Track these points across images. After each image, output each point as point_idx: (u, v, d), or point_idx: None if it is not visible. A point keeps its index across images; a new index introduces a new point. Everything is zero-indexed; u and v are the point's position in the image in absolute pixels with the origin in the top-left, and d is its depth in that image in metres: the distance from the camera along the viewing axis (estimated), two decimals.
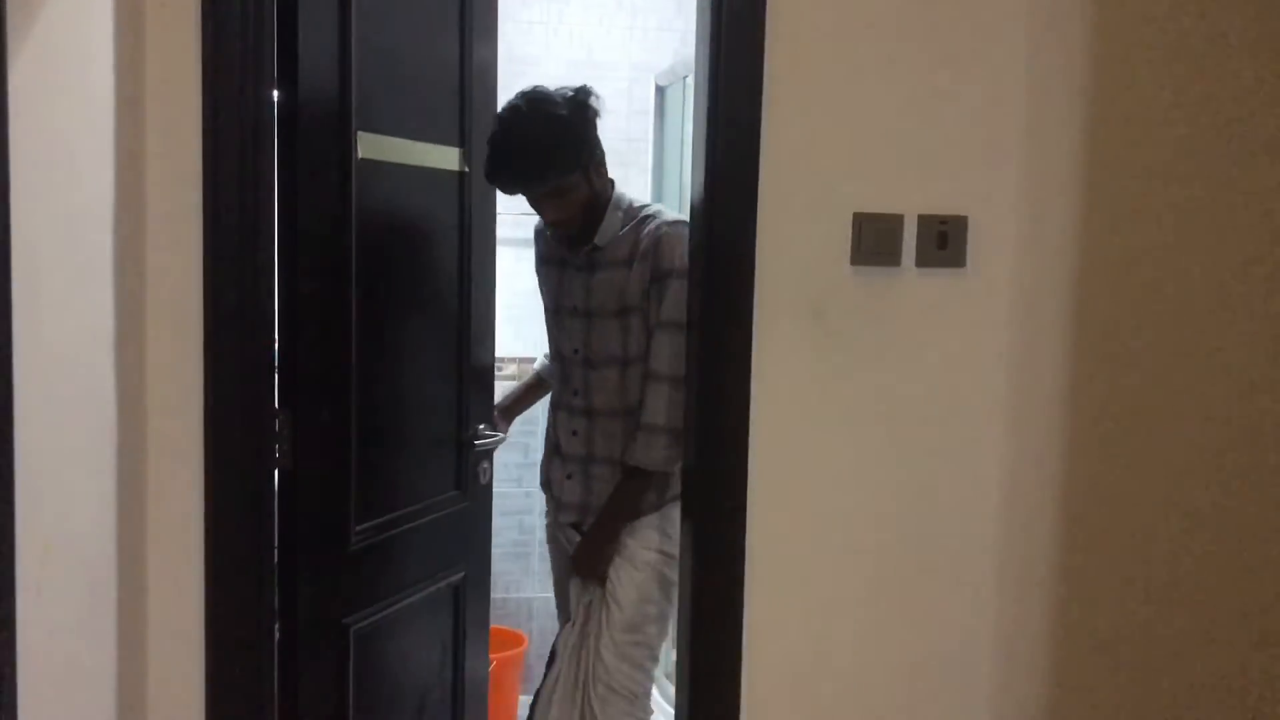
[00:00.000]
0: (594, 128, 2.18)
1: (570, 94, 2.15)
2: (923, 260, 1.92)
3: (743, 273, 1.87)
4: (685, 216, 2.05)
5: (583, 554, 2.31)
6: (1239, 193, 1.94)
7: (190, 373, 1.73)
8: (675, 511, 2.16)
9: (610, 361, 2.27)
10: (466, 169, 2.32)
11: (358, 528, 2.07)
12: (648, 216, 2.25)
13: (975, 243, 1.93)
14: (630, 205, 2.30)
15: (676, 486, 2.18)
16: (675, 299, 2.14)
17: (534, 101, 2.14)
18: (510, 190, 2.21)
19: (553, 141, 2.11)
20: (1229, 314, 1.95)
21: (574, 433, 2.35)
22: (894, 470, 1.97)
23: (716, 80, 1.84)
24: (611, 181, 2.32)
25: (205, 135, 1.68)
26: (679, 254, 2.14)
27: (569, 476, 2.37)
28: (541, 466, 2.52)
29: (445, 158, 2.27)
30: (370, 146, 2.02)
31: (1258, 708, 1.80)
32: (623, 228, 2.26)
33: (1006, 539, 2.01)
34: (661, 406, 2.17)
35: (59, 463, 1.36)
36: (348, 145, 1.97)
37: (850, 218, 1.90)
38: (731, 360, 1.87)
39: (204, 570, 1.74)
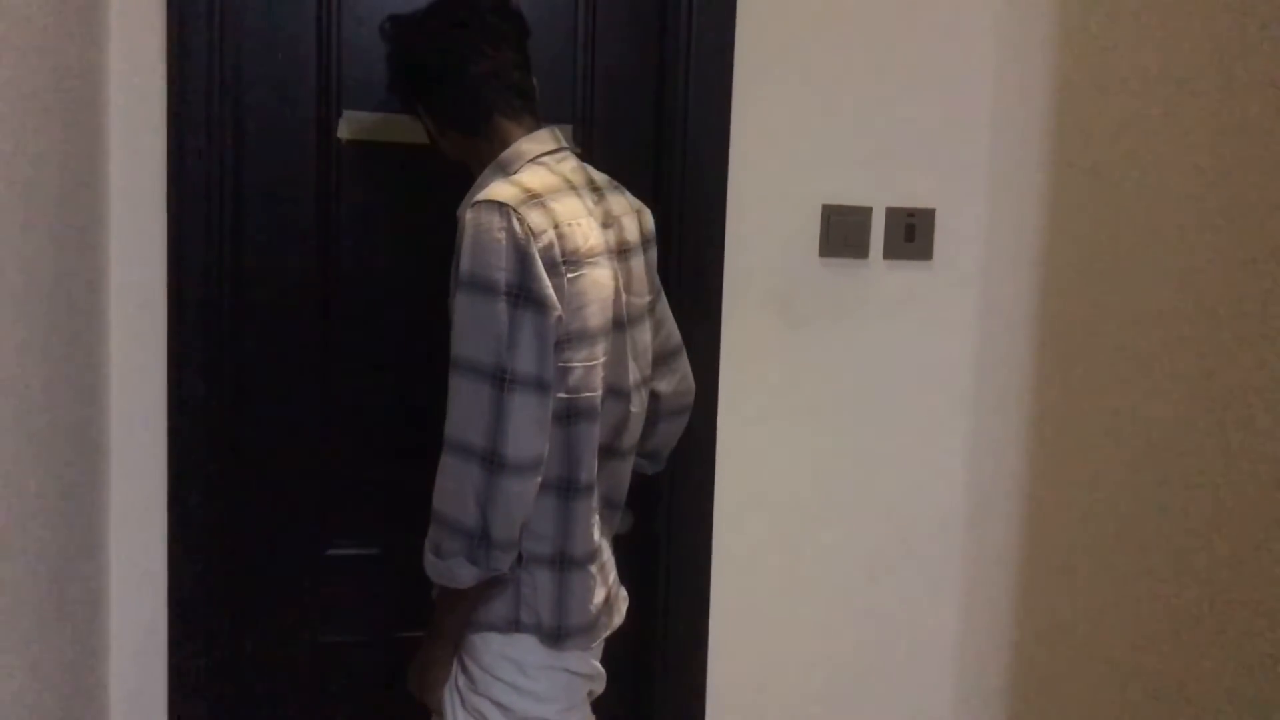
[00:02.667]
0: (436, 52, 1.47)
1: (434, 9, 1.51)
2: (891, 253, 1.93)
3: (711, 264, 1.87)
4: (523, 191, 1.36)
5: (411, 667, 1.51)
6: (1190, 193, 1.97)
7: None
8: (517, 648, 1.41)
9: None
10: None
11: None
12: (479, 186, 1.46)
13: (943, 235, 1.94)
14: (521, 168, 1.45)
15: (510, 608, 1.41)
16: (463, 324, 1.33)
17: (394, 17, 1.54)
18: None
19: (390, 63, 1.53)
20: (1186, 303, 1.97)
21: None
22: (860, 460, 1.98)
23: (685, 71, 1.83)
24: (523, 131, 1.49)
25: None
26: (472, 253, 1.33)
27: None
28: None
29: None
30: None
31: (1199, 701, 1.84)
32: None
33: (970, 529, 2.03)
34: (447, 487, 1.34)
35: None
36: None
37: (819, 210, 1.90)
38: (699, 351, 1.87)
39: None
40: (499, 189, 1.36)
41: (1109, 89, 1.93)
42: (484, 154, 1.49)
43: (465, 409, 1.32)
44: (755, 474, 1.94)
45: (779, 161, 1.88)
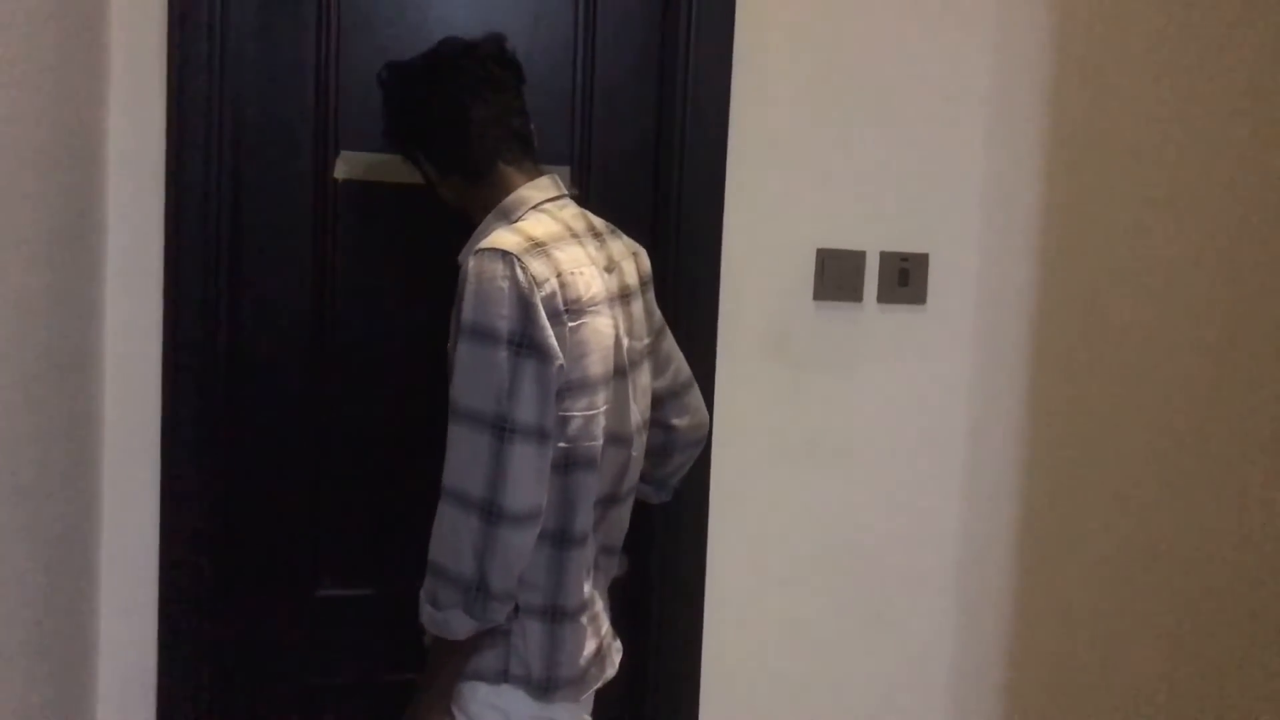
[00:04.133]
0: (438, 98, 1.46)
1: (421, 60, 1.51)
2: (884, 296, 1.94)
3: (707, 307, 1.88)
4: (526, 240, 1.35)
5: (404, 716, 1.46)
6: (1180, 238, 1.99)
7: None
8: (505, 698, 1.40)
9: (451, 414, 1.38)
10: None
11: None
12: (481, 233, 1.45)
13: (936, 280, 1.96)
14: (523, 215, 1.44)
15: (498, 657, 1.40)
16: (465, 373, 1.31)
17: (392, 65, 1.53)
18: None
19: (388, 110, 1.51)
20: (1180, 346, 1.99)
21: None
22: (854, 502, 1.98)
23: (682, 116, 1.85)
24: (522, 178, 1.48)
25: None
26: (475, 302, 1.31)
27: None
28: None
29: None
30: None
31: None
32: None
33: (963, 570, 2.03)
34: (444, 537, 1.32)
35: None
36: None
37: (814, 254, 1.91)
38: None
39: None
40: (502, 237, 1.36)
41: (1099, 136, 1.96)
42: (485, 200, 1.47)
43: (464, 458, 1.30)
44: (749, 516, 1.94)
45: (774, 206, 1.89)
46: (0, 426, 1.26)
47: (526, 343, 1.30)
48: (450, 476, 1.31)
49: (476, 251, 1.35)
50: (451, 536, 1.31)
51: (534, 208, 1.45)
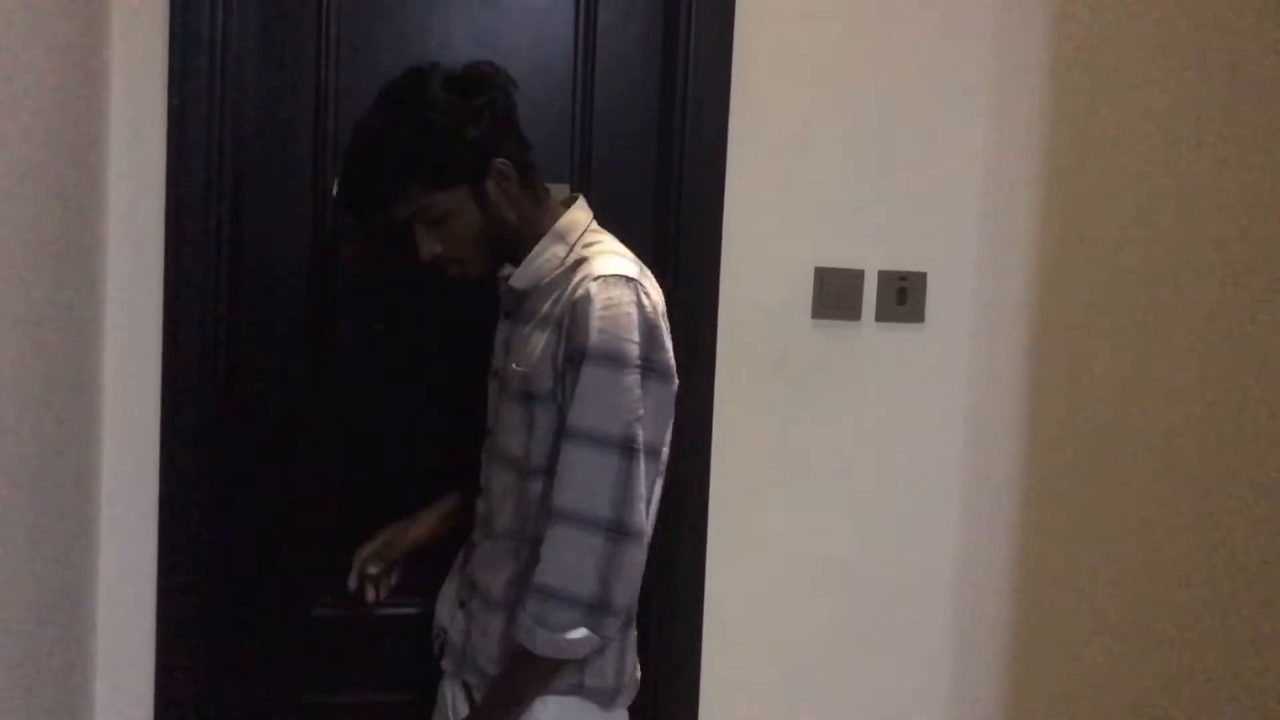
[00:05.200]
0: (491, 122, 1.40)
1: (456, 75, 1.41)
2: (883, 315, 1.94)
3: (706, 325, 1.88)
4: (634, 264, 1.40)
5: None
6: (1179, 256, 2.00)
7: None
8: (573, 711, 1.42)
9: (507, 465, 1.46)
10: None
11: None
12: (584, 260, 1.42)
13: (934, 298, 1.96)
14: (581, 238, 1.46)
15: (596, 674, 1.42)
16: (592, 396, 1.33)
17: (393, 93, 1.41)
18: (359, 218, 1.47)
19: (404, 147, 1.37)
20: (1179, 367, 2.00)
21: (473, 543, 1.56)
22: (853, 522, 1.97)
23: (681, 134, 1.85)
24: (558, 199, 1.53)
25: None
26: (601, 326, 1.32)
27: (461, 604, 1.55)
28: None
29: None
30: None
31: None
32: (557, 269, 1.44)
33: (961, 589, 2.02)
34: (564, 559, 1.33)
35: None
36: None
37: (812, 272, 1.92)
38: (693, 412, 1.87)
39: None
40: (616, 262, 1.38)
41: (1097, 154, 1.97)
42: (534, 220, 1.46)
43: (589, 480, 1.32)
44: (747, 533, 1.94)
45: (772, 224, 1.90)
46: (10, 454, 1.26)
47: (651, 365, 1.34)
48: (571, 500, 1.33)
49: (598, 278, 1.35)
50: (573, 559, 1.32)
51: (589, 229, 1.47)
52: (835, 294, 1.92)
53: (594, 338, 1.32)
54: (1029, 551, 2.02)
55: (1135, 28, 1.95)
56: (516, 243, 1.46)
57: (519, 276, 1.46)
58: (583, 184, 1.88)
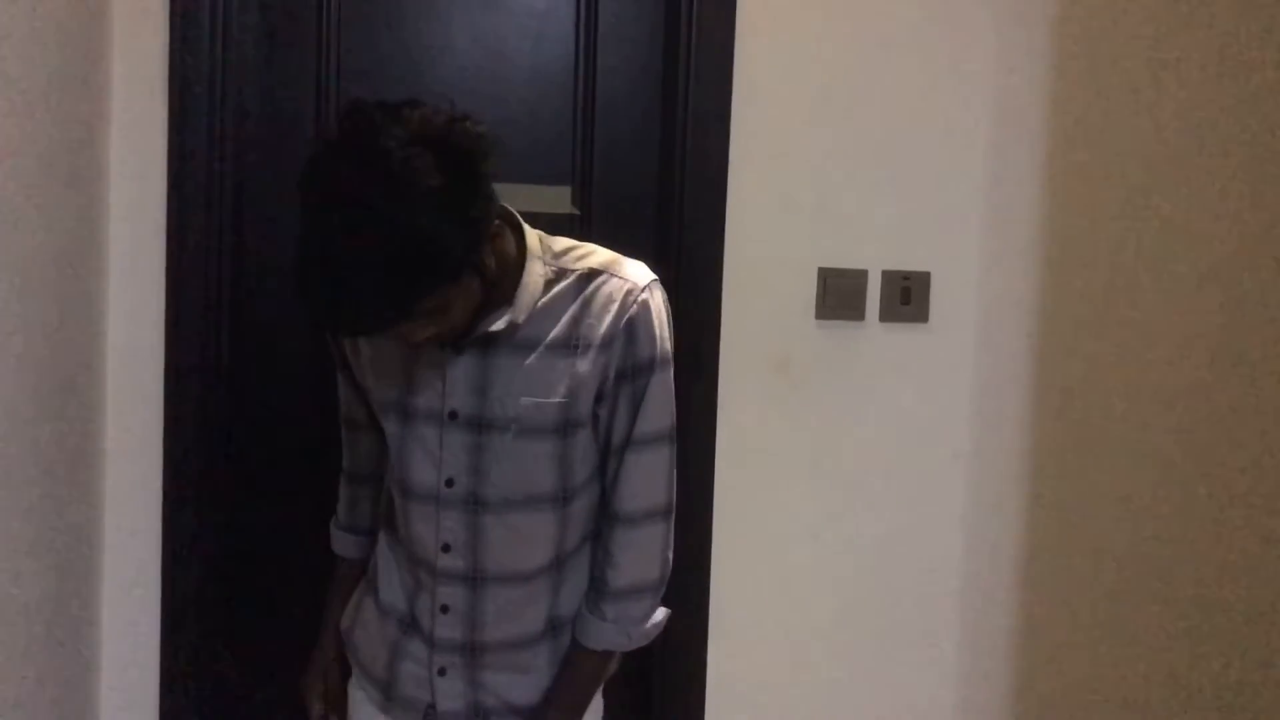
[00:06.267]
0: (482, 184, 1.19)
1: (439, 134, 1.14)
2: (886, 315, 1.94)
3: (709, 326, 1.88)
4: (639, 264, 1.38)
5: None
6: (1184, 253, 1.99)
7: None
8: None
9: (532, 504, 1.36)
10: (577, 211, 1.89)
11: None
12: (593, 272, 1.35)
13: (938, 298, 1.95)
14: (552, 250, 1.37)
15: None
16: (660, 401, 1.36)
17: (367, 184, 1.09)
18: (357, 336, 1.36)
19: (410, 264, 1.11)
20: (1184, 365, 1.99)
21: (444, 609, 1.39)
22: (857, 521, 1.97)
23: (683, 135, 1.85)
24: (510, 224, 1.34)
25: None
26: (661, 335, 1.35)
27: (441, 672, 1.40)
28: (362, 653, 1.47)
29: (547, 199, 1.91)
30: None
31: None
32: (548, 289, 1.34)
33: (967, 588, 2.02)
34: (640, 558, 1.38)
35: None
36: None
37: (815, 273, 1.91)
38: (697, 413, 1.87)
39: None
40: (635, 266, 1.38)
41: (1100, 153, 1.96)
42: (504, 253, 1.31)
43: (654, 478, 1.39)
44: (752, 534, 1.93)
45: (776, 225, 1.89)
46: (5, 452, 1.26)
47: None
48: (642, 502, 1.38)
49: (648, 285, 1.36)
50: (647, 554, 1.40)
51: (543, 237, 1.38)
52: (839, 294, 1.92)
53: (659, 348, 1.35)
54: (1034, 550, 2.01)
55: (1137, 28, 1.94)
56: (501, 286, 1.30)
57: (520, 308, 1.31)
58: (584, 187, 1.88)
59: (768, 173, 1.88)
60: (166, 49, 1.70)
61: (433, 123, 1.14)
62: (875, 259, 1.93)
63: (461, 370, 1.33)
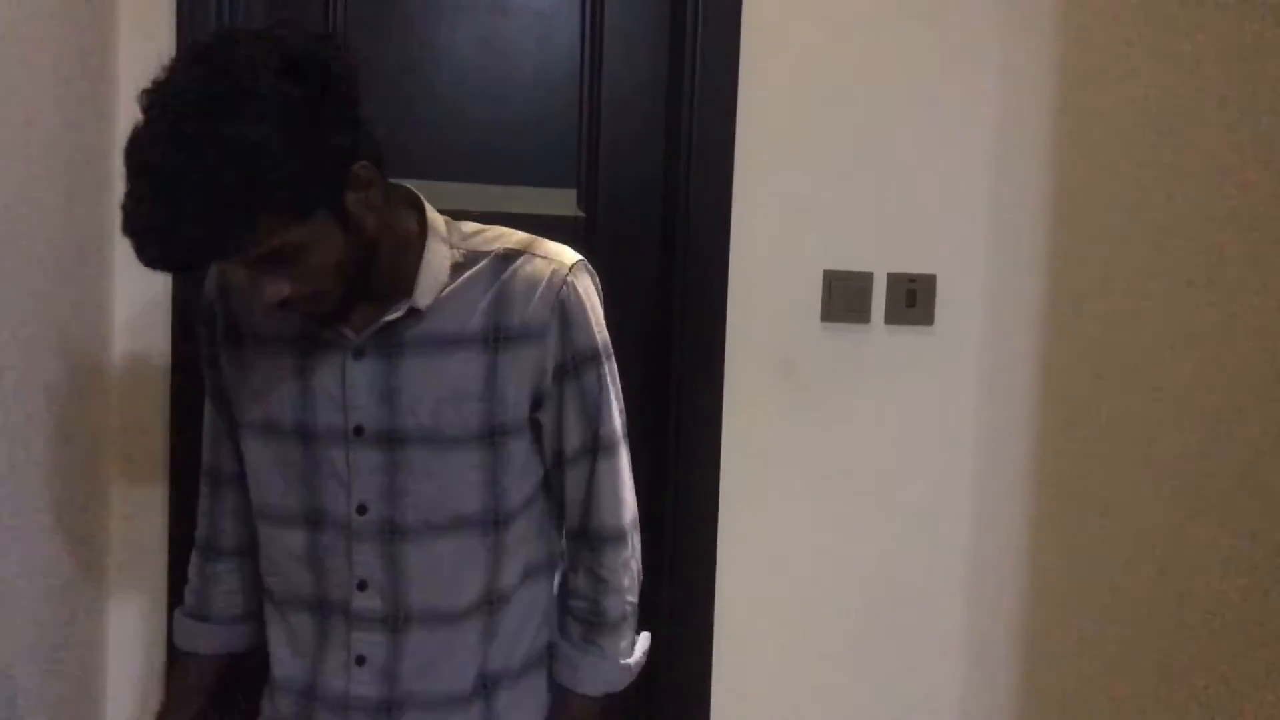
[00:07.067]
0: (343, 110, 1.03)
1: (288, 55, 0.98)
2: (892, 317, 1.93)
3: (714, 329, 1.87)
4: (562, 244, 1.22)
5: None
6: (1190, 258, 1.99)
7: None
8: None
9: (458, 527, 1.18)
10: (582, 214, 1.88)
11: None
12: (510, 253, 1.18)
13: (944, 301, 1.95)
14: (460, 232, 1.20)
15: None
16: (610, 397, 1.22)
17: (208, 89, 0.95)
18: (177, 270, 1.08)
19: (243, 179, 0.95)
20: (1187, 369, 1.99)
21: (360, 660, 1.20)
22: (862, 526, 1.96)
23: (688, 137, 1.85)
24: (410, 202, 1.20)
25: None
26: (597, 320, 1.20)
27: None
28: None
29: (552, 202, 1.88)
30: None
31: None
32: (456, 274, 1.17)
33: (972, 591, 2.01)
34: (623, 584, 1.24)
35: None
36: None
37: (820, 275, 1.91)
38: (702, 417, 1.87)
39: None
40: (558, 247, 1.21)
41: (1106, 156, 1.95)
42: (397, 226, 1.15)
43: (619, 487, 1.23)
44: (757, 538, 1.93)
45: (781, 228, 1.89)
46: (16, 458, 1.27)
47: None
48: (630, 510, 1.25)
49: (573, 266, 1.19)
50: (628, 579, 1.25)
51: (451, 219, 1.22)
52: (844, 297, 1.91)
53: (598, 335, 1.20)
54: (1040, 553, 2.01)
55: (1143, 32, 1.94)
56: (376, 258, 1.12)
57: (422, 291, 1.14)
58: (590, 189, 1.88)
59: (773, 175, 1.88)
60: (172, 51, 1.70)
61: (295, 38, 1.01)
62: (880, 261, 1.92)
63: (364, 377, 1.15)
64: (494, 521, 1.19)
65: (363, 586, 1.18)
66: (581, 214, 1.88)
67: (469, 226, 1.22)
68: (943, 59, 1.91)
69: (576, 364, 1.18)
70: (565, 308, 1.17)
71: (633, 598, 1.25)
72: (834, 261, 1.91)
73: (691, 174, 1.85)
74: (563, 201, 1.88)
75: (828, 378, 1.93)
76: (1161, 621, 2.03)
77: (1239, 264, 1.98)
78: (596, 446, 1.21)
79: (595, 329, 1.19)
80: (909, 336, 1.95)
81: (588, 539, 1.23)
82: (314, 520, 1.19)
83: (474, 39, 1.84)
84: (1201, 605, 2.03)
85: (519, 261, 1.17)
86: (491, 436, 1.16)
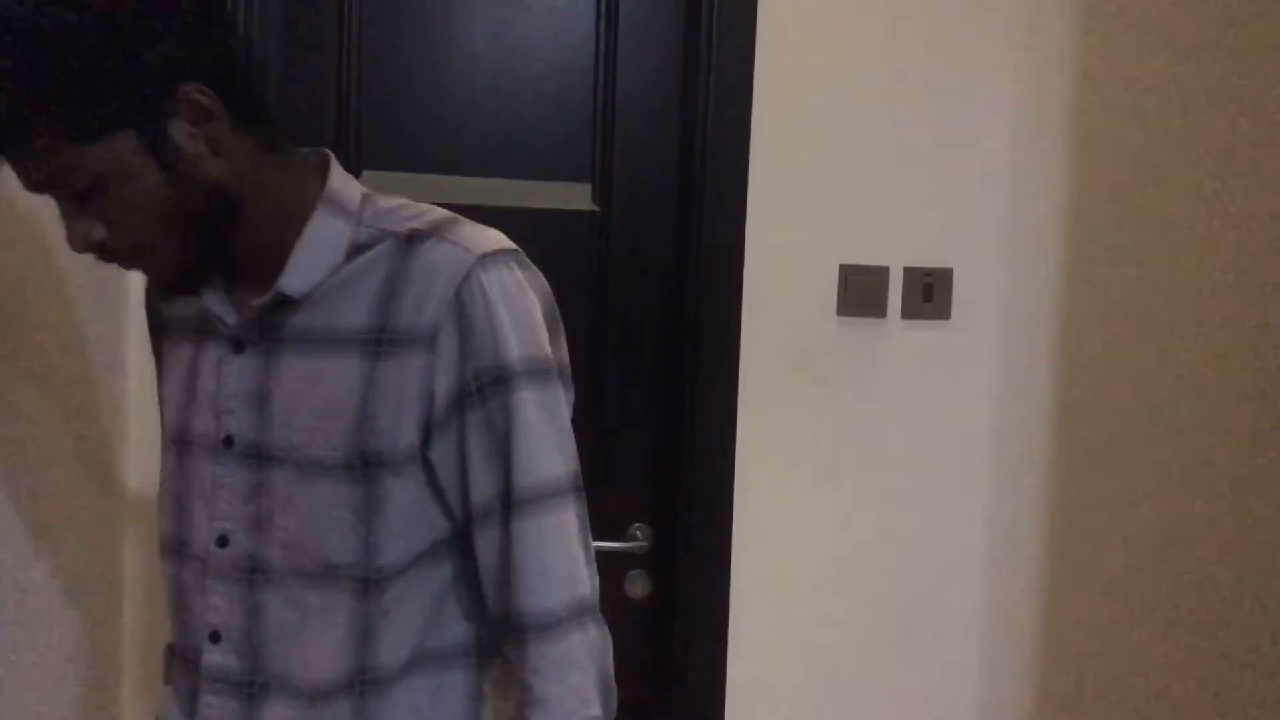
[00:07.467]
0: (181, 26, 0.85)
1: None
2: (908, 312, 1.92)
3: (730, 324, 1.87)
4: (492, 230, 0.96)
5: None
6: (1209, 252, 1.97)
7: None
8: None
9: (327, 578, 0.93)
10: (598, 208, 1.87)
11: None
12: (416, 235, 0.93)
13: (960, 295, 1.94)
14: (374, 207, 0.97)
15: None
16: (538, 434, 0.92)
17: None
18: None
19: (24, 70, 0.79)
20: (1208, 361, 1.97)
21: None
22: (879, 519, 1.96)
23: (703, 131, 1.84)
24: (314, 164, 0.98)
25: None
26: (517, 327, 0.92)
27: None
28: None
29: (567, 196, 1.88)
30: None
31: None
32: (353, 255, 0.94)
33: (988, 587, 2.01)
34: (576, 683, 0.92)
35: None
36: None
37: (836, 269, 1.90)
38: (717, 411, 1.87)
39: None
40: (479, 231, 0.94)
41: (1124, 150, 1.94)
42: (278, 189, 0.93)
43: (560, 555, 0.91)
44: (773, 533, 1.93)
45: (797, 222, 1.88)
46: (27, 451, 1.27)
47: (557, 365, 0.94)
48: (547, 593, 0.91)
49: (483, 256, 0.90)
50: (582, 678, 0.91)
51: (370, 194, 0.98)
52: (860, 291, 1.91)
53: (516, 348, 0.90)
54: (1057, 548, 2.00)
55: (1160, 27, 1.92)
56: (239, 221, 0.92)
57: (294, 272, 0.91)
58: (605, 184, 1.88)
59: (789, 169, 1.87)
60: None
61: None
62: (897, 255, 1.92)
63: (239, 376, 0.94)
64: (363, 580, 0.92)
65: (215, 638, 0.94)
66: (597, 208, 1.88)
67: (391, 201, 0.97)
68: (960, 52, 1.90)
69: (481, 387, 0.89)
70: (464, 310, 0.88)
71: (580, 712, 0.91)
72: (850, 255, 1.91)
73: (707, 168, 1.85)
74: (578, 196, 1.88)
75: (843, 372, 1.92)
76: (1184, 615, 2.02)
77: (1262, 259, 1.96)
78: (510, 501, 0.90)
79: (511, 340, 0.89)
80: (925, 331, 1.94)
81: (510, 627, 0.92)
82: (178, 551, 0.97)
83: (488, 34, 1.84)
84: (1227, 598, 2.02)
85: (425, 246, 0.91)
86: (364, 468, 0.90)
